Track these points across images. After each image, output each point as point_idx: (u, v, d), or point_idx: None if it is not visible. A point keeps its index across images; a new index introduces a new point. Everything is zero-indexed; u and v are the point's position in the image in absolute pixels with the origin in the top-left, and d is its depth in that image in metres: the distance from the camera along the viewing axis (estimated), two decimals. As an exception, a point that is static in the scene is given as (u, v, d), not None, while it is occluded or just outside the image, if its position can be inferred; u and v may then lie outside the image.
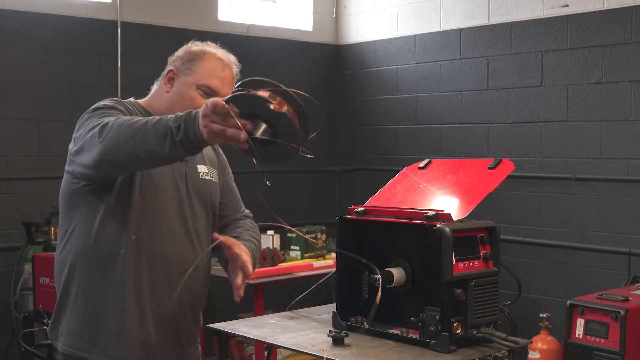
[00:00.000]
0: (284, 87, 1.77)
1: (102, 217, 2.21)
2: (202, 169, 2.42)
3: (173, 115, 1.91)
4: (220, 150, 2.60)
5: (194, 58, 2.35)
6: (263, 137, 1.79)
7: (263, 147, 1.81)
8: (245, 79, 1.84)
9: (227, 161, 2.61)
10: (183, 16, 5.47)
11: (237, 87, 1.83)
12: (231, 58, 2.42)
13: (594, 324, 3.77)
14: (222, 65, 2.36)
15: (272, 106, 1.74)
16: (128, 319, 2.23)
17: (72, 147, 2.16)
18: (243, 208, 2.62)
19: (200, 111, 1.83)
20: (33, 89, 4.88)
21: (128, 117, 2.04)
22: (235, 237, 2.33)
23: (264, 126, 1.78)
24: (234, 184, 2.61)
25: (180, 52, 2.41)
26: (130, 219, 2.21)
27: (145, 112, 2.35)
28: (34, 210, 4.74)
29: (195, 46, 2.41)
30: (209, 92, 2.31)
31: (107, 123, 2.00)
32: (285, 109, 1.76)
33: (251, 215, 2.62)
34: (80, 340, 2.26)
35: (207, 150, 2.50)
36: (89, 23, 5.07)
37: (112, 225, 2.21)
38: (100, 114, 2.13)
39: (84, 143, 2.05)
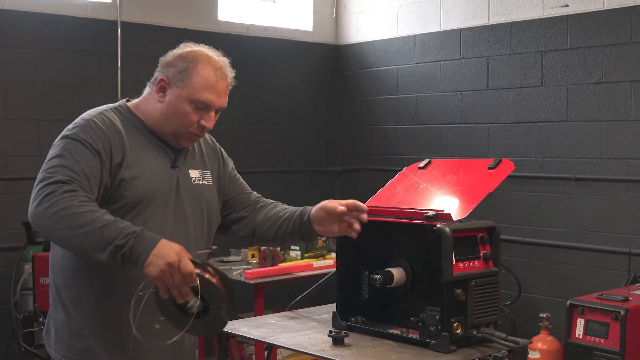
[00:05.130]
0: (215, 267, 2.01)
1: None
2: (193, 173, 2.32)
3: (122, 231, 1.95)
4: (217, 144, 2.50)
5: (186, 68, 2.21)
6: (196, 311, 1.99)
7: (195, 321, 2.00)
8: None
9: (225, 153, 2.51)
10: (183, 16, 5.46)
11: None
12: (225, 63, 2.28)
13: (594, 324, 3.77)
14: (216, 77, 2.22)
15: (219, 287, 1.97)
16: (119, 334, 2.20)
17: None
18: (253, 191, 2.53)
19: (163, 263, 1.91)
20: (33, 89, 4.88)
21: (78, 200, 2.00)
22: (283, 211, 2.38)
23: (199, 302, 1.97)
24: (237, 173, 2.52)
25: (171, 57, 2.26)
26: None
27: (135, 118, 2.27)
28: (34, 210, 4.74)
29: (187, 51, 2.26)
30: (203, 106, 2.21)
31: (54, 194, 1.99)
32: (215, 281, 1.97)
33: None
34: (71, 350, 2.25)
35: (202, 150, 2.42)
36: (89, 23, 5.07)
37: None
38: (64, 153, 2.11)
39: (34, 193, 2.05)
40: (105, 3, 5.15)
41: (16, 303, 4.57)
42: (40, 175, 2.10)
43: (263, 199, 2.51)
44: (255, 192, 2.53)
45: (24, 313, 4.47)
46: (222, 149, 2.51)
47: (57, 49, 4.96)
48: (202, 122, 2.22)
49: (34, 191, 2.06)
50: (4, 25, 4.74)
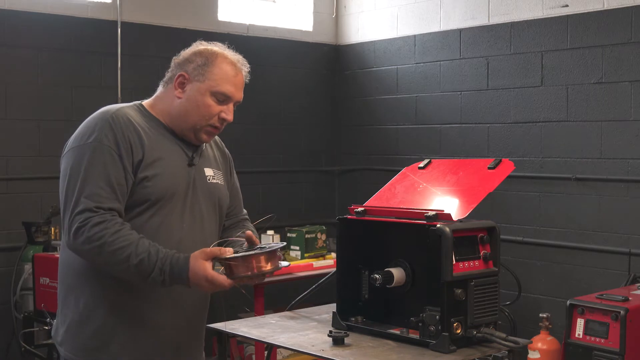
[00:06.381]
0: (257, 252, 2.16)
1: None
2: (208, 172, 2.39)
3: (155, 266, 2.07)
4: (227, 150, 2.58)
5: (206, 63, 2.30)
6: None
7: None
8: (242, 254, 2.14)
9: (233, 162, 2.59)
10: (183, 16, 5.46)
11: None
12: (240, 59, 2.39)
13: (594, 324, 3.77)
14: (235, 70, 2.33)
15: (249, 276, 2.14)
16: (133, 330, 2.24)
17: (61, 195, 2.17)
18: (244, 210, 2.62)
19: (198, 285, 2.10)
20: (33, 89, 4.88)
21: (109, 234, 2.07)
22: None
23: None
24: (238, 185, 2.60)
25: (188, 54, 2.34)
26: (141, 233, 2.18)
27: (152, 117, 2.31)
28: (34, 210, 4.74)
29: (203, 47, 2.35)
30: (224, 98, 2.30)
31: (84, 228, 2.07)
32: (269, 266, 2.15)
33: (248, 217, 2.62)
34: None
35: (213, 151, 2.48)
36: (89, 23, 5.07)
37: None
38: (88, 169, 2.12)
39: (64, 222, 2.13)
40: (105, 3, 5.15)
41: (16, 303, 4.57)
42: (64, 196, 2.14)
43: (248, 222, 2.59)
44: (245, 211, 2.62)
45: (24, 313, 4.46)
46: (232, 159, 2.59)
47: (57, 49, 4.96)
48: (223, 114, 2.31)
49: (63, 218, 2.12)
50: (4, 25, 4.74)
